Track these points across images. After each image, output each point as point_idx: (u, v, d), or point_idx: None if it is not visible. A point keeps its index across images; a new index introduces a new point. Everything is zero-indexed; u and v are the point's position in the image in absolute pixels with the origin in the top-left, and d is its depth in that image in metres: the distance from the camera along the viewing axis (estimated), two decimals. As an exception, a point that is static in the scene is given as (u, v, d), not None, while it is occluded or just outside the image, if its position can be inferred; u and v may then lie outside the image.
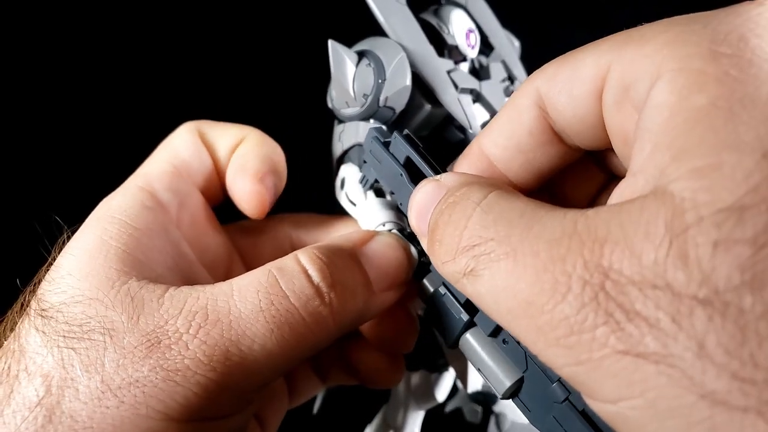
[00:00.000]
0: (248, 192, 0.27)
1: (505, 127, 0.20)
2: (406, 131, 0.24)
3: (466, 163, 0.22)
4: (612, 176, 0.22)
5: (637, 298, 0.13)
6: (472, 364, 0.22)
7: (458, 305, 0.22)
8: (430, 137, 0.29)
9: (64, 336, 0.19)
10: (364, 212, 0.26)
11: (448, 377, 0.53)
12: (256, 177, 0.27)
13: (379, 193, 0.26)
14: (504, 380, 0.20)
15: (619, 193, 0.16)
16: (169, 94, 0.54)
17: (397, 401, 0.55)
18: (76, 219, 0.23)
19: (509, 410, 0.58)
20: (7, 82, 0.52)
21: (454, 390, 0.56)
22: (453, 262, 0.17)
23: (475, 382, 0.43)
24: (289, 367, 0.21)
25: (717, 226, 0.12)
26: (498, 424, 0.58)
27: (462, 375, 0.43)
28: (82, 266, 0.21)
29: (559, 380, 0.19)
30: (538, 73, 0.19)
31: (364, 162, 0.26)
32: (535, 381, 0.20)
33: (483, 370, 0.21)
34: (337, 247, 0.23)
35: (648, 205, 0.13)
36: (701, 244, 0.12)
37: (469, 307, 0.22)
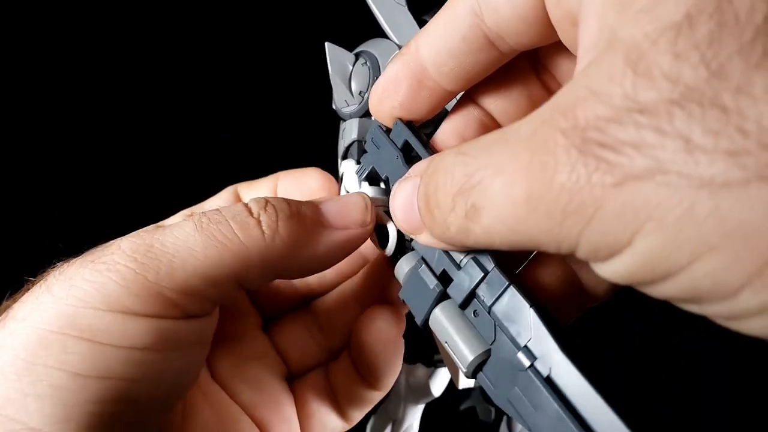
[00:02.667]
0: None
1: (441, 31, 0.21)
2: (408, 120, 0.24)
3: (401, 61, 0.22)
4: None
5: (618, 130, 0.13)
6: (440, 341, 0.22)
7: (432, 275, 0.22)
8: (430, 135, 0.30)
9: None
10: None
11: (444, 373, 0.54)
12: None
13: (374, 182, 0.27)
14: (468, 354, 0.20)
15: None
16: (172, 98, 0.55)
17: (396, 395, 0.56)
18: (80, 216, 0.25)
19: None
20: (12, 85, 0.54)
21: (468, 389, 0.57)
22: (454, 213, 0.17)
23: (467, 380, 0.43)
24: (216, 274, 0.21)
25: (671, 42, 0.13)
26: (509, 425, 0.58)
27: (453, 372, 0.43)
28: None
29: (526, 346, 0.18)
30: None
31: (365, 152, 0.27)
32: (501, 352, 0.19)
33: (449, 344, 0.21)
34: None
35: (604, 58, 0.14)
36: (662, 61, 0.13)
37: (444, 278, 0.22)
